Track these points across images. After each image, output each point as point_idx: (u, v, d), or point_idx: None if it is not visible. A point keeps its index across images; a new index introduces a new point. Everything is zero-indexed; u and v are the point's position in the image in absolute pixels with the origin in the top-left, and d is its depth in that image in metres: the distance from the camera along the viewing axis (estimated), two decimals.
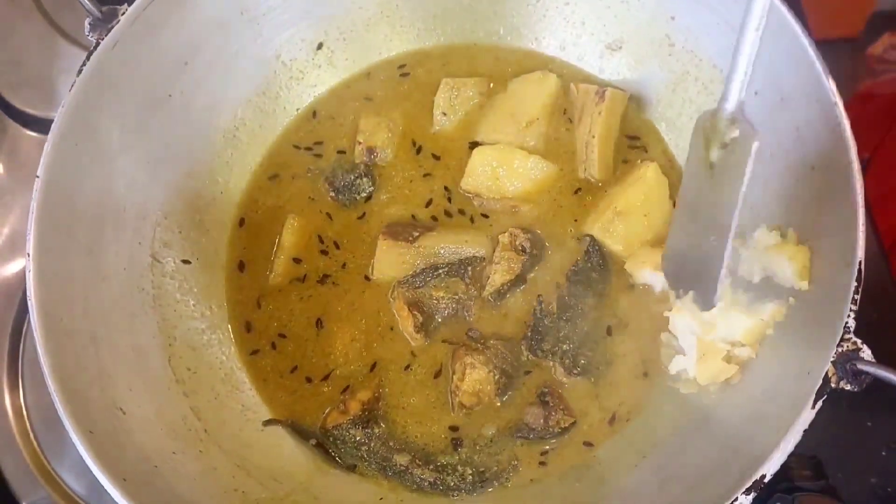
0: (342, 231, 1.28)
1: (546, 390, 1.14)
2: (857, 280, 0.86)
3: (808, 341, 0.93)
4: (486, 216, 1.26)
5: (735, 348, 1.02)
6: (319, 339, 1.22)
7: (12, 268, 1.51)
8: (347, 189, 1.29)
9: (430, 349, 1.19)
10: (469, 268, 1.20)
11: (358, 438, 1.13)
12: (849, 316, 0.85)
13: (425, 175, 1.30)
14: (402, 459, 1.12)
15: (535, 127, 1.28)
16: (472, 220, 1.26)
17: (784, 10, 0.98)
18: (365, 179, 1.29)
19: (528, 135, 1.28)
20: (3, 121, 1.58)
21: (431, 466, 1.12)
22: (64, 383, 0.95)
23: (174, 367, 1.15)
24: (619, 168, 1.26)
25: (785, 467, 0.84)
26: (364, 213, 1.29)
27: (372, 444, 1.14)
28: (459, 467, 1.12)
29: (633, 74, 1.31)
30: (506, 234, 1.20)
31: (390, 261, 1.22)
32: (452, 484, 1.11)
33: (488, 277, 1.19)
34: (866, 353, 0.83)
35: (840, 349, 0.84)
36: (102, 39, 1.08)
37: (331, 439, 1.15)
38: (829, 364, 0.84)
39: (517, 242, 1.19)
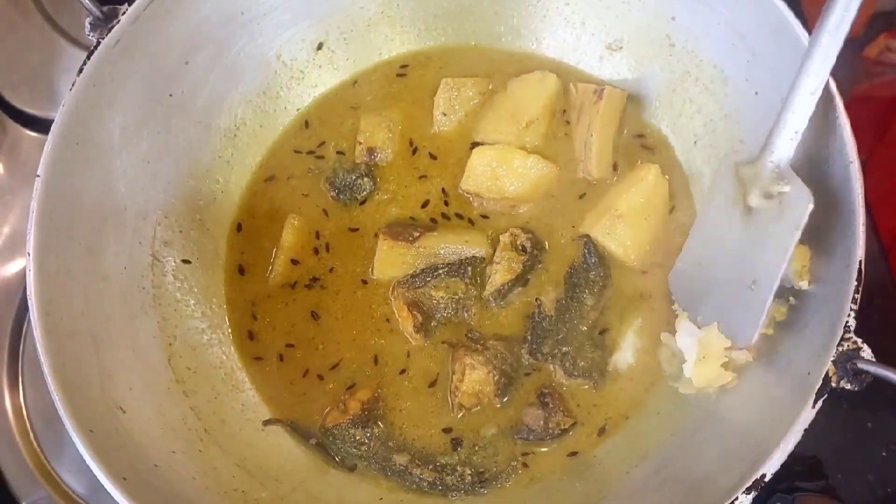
0: (342, 231, 1.28)
1: (546, 391, 1.14)
2: (857, 280, 0.86)
3: (808, 341, 0.93)
4: (485, 217, 1.26)
5: (733, 352, 1.01)
6: (321, 338, 1.22)
7: (12, 268, 1.51)
8: (348, 189, 1.29)
9: (430, 349, 1.19)
10: (469, 268, 1.20)
11: (358, 438, 1.13)
12: (849, 315, 0.85)
13: (425, 175, 1.30)
14: (401, 459, 1.12)
15: (535, 127, 1.28)
16: (470, 221, 1.26)
17: (784, 10, 0.99)
18: (365, 179, 1.29)
19: (527, 135, 1.28)
20: (3, 121, 1.58)
21: (431, 467, 1.12)
22: (64, 383, 0.95)
23: (174, 367, 1.15)
24: (625, 168, 1.26)
25: (785, 467, 0.84)
26: (364, 213, 1.29)
27: (371, 444, 1.14)
28: (458, 468, 1.12)
29: (634, 75, 1.31)
30: (507, 233, 1.20)
31: (391, 261, 1.22)
32: (451, 484, 1.11)
33: (489, 277, 1.19)
34: (867, 352, 0.83)
35: (840, 348, 0.84)
36: (103, 39, 1.08)
37: (331, 439, 1.15)
38: (830, 363, 0.84)
39: (518, 242, 1.19)
